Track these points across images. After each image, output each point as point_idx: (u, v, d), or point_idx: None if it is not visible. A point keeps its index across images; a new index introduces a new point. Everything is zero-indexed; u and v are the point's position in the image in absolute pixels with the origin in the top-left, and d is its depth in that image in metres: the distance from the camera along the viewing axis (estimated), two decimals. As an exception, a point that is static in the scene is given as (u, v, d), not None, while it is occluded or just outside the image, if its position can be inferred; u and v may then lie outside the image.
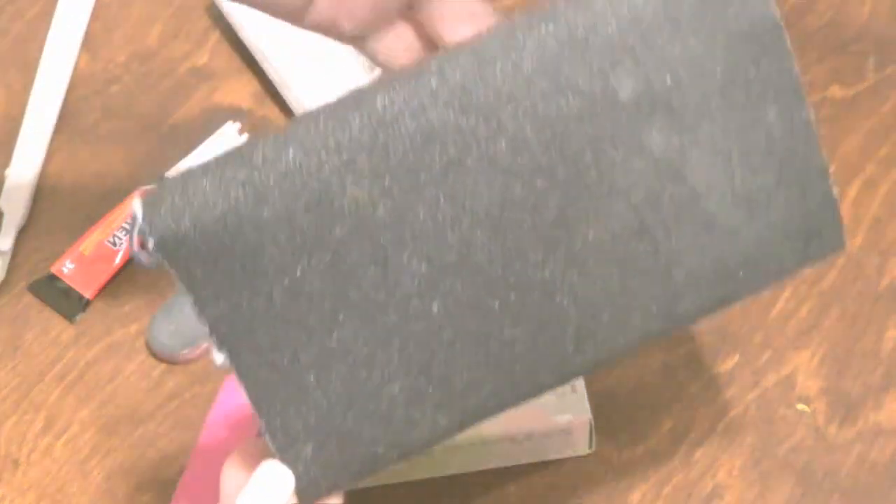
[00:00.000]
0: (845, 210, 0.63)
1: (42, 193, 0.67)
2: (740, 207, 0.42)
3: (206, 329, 0.39)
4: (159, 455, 0.58)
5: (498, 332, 0.40)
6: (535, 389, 0.42)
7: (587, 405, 0.54)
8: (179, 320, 0.60)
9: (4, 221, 0.65)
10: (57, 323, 0.63)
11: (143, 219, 0.38)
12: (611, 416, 0.57)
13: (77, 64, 0.72)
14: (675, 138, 0.40)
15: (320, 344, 0.39)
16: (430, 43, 0.46)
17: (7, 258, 0.65)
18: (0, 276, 0.64)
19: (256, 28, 0.69)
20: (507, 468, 0.55)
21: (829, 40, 0.71)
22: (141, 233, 0.38)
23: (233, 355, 0.39)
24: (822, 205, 0.43)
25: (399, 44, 0.46)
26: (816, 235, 0.43)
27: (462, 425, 0.42)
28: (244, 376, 0.40)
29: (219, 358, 0.40)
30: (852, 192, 0.64)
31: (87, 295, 0.63)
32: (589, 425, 0.54)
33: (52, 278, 0.63)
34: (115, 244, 0.64)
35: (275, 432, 0.40)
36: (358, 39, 0.46)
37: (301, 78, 0.68)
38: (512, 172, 0.39)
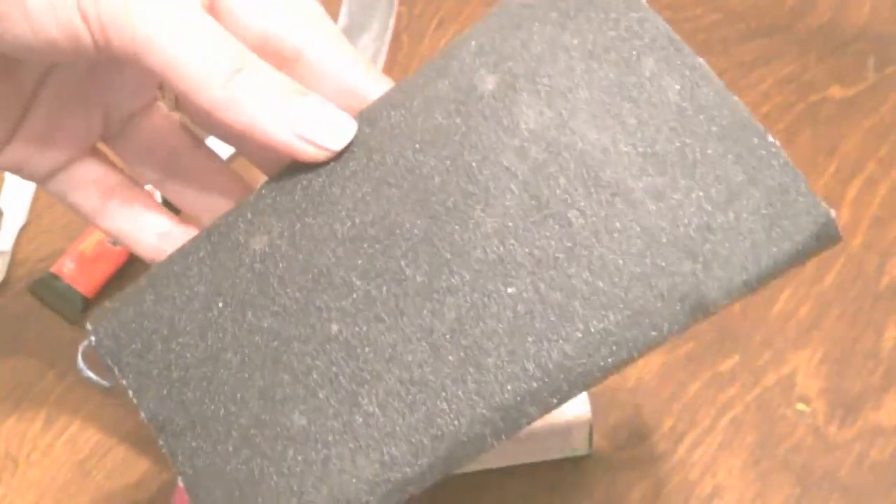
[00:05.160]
0: (845, 210, 0.63)
1: (42, 193, 0.67)
2: (657, 173, 0.37)
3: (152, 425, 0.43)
4: (159, 455, 0.58)
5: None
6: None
7: (587, 405, 0.54)
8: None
9: (4, 221, 0.65)
10: (57, 323, 0.63)
11: (92, 331, 0.44)
12: (611, 416, 0.57)
13: (77, 64, 0.72)
14: (546, 110, 0.39)
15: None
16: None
17: (7, 258, 0.65)
18: (0, 276, 0.64)
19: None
20: (506, 468, 0.55)
21: (829, 40, 0.71)
22: (89, 345, 0.44)
23: (171, 447, 0.42)
24: (767, 168, 0.36)
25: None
26: (780, 214, 0.36)
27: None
28: (182, 466, 0.42)
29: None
30: (852, 191, 0.64)
31: (88, 294, 0.63)
32: (588, 425, 0.54)
33: (52, 278, 0.63)
34: (115, 243, 0.64)
35: None
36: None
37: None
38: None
